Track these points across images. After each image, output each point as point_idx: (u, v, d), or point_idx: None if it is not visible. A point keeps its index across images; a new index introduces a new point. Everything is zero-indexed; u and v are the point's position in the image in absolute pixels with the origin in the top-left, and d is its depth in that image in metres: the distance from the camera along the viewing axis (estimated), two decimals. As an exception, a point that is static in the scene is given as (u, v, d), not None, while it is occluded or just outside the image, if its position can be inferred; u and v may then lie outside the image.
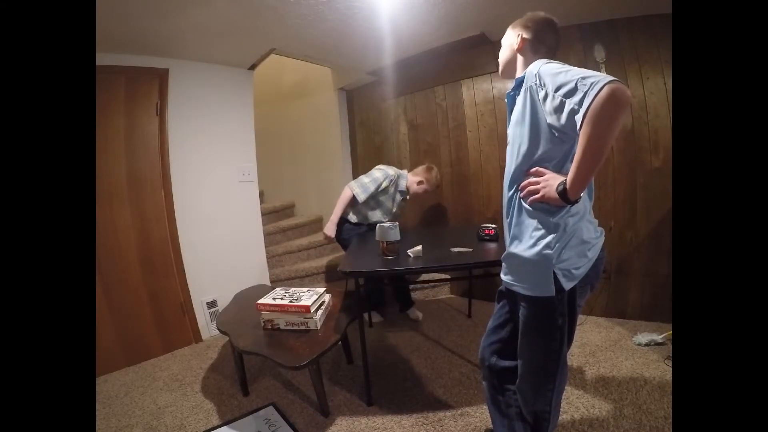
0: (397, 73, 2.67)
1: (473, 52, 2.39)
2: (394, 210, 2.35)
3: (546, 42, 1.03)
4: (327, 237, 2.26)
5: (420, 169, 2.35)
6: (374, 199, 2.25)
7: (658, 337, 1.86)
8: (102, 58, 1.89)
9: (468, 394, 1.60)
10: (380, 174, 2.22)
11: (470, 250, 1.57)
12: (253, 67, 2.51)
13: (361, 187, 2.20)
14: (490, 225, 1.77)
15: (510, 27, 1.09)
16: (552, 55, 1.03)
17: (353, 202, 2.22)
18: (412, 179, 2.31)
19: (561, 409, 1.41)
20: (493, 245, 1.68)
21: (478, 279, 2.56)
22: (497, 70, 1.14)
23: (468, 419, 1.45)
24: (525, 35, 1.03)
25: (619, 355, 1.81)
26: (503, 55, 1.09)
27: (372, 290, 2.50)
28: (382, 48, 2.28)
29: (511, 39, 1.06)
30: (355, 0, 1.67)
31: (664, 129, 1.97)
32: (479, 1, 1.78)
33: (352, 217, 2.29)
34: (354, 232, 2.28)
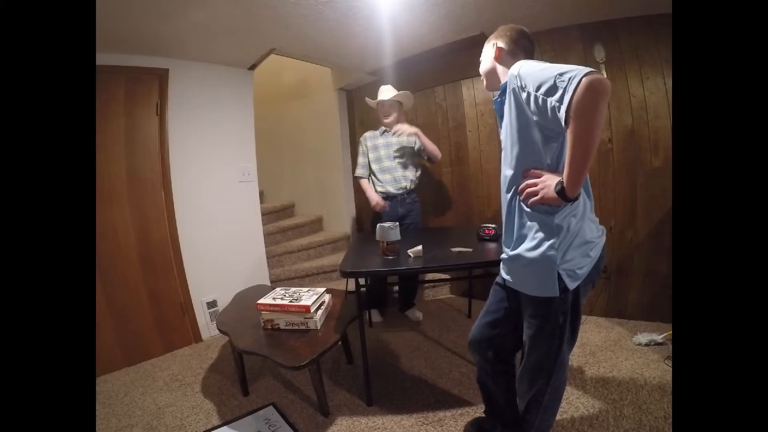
0: (397, 73, 2.67)
1: (473, 52, 2.34)
2: (393, 151, 2.30)
3: (521, 45, 1.06)
4: (379, 206, 2.27)
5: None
6: (376, 163, 2.31)
7: (658, 337, 1.86)
8: (102, 58, 1.89)
9: (468, 394, 1.60)
10: (360, 147, 2.38)
11: (470, 250, 1.57)
12: (253, 67, 2.51)
13: (358, 166, 2.36)
14: (490, 225, 1.77)
15: (486, 42, 1.13)
16: (530, 58, 1.05)
17: (366, 181, 2.35)
18: (379, 111, 2.33)
19: (561, 409, 1.42)
20: (493, 245, 1.68)
21: (478, 279, 2.55)
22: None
23: (468, 419, 1.45)
24: (500, 44, 1.06)
25: (619, 355, 1.81)
26: (483, 67, 1.12)
27: (375, 289, 2.50)
28: (382, 48, 2.28)
29: (489, 51, 1.10)
30: (356, 0, 1.67)
31: (664, 129, 1.97)
32: (479, 1, 1.78)
33: (382, 191, 2.31)
34: (383, 211, 2.30)
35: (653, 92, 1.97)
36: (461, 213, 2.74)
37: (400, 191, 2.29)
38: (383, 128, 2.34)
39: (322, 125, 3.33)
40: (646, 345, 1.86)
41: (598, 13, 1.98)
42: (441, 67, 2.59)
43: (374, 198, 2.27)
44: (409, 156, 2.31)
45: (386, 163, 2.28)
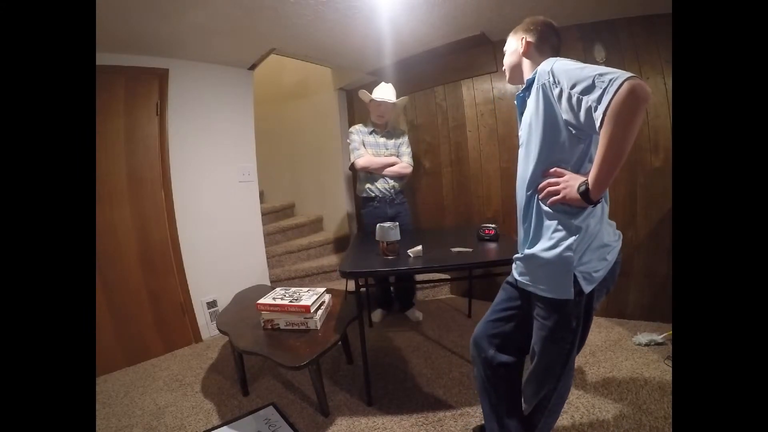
0: (397, 73, 2.67)
1: (473, 52, 2.38)
2: (384, 152, 2.28)
3: (550, 42, 1.03)
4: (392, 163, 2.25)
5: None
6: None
7: (658, 337, 1.86)
8: (102, 58, 1.89)
9: (468, 394, 1.60)
10: (353, 136, 2.28)
11: (470, 250, 1.57)
12: (253, 67, 2.51)
13: (355, 150, 2.24)
14: (490, 225, 1.77)
15: (511, 33, 1.10)
16: (557, 54, 1.02)
17: (360, 174, 2.30)
18: (373, 109, 2.26)
19: (561, 409, 1.42)
20: (493, 245, 1.68)
21: (478, 279, 2.55)
22: (498, 71, 1.14)
23: (468, 419, 1.45)
24: (529, 39, 1.03)
25: (619, 355, 1.81)
26: (509, 61, 1.09)
27: (380, 288, 2.50)
28: (382, 48, 2.28)
29: (515, 44, 1.07)
30: (355, 0, 1.67)
31: (664, 129, 1.97)
32: (479, 1, 1.78)
33: (370, 191, 2.28)
34: (372, 212, 2.28)
35: (653, 92, 1.95)
36: (461, 213, 2.74)
37: (389, 192, 2.28)
38: (372, 127, 2.30)
39: (322, 125, 3.33)
40: (646, 345, 1.86)
41: (598, 13, 1.98)
42: (441, 67, 2.59)
43: (387, 160, 2.23)
44: (398, 157, 2.31)
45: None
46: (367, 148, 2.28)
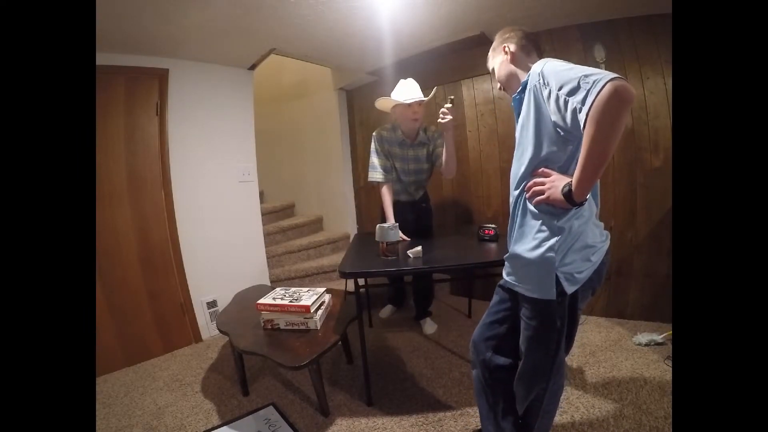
0: (397, 73, 2.66)
1: (473, 52, 2.38)
2: (424, 163, 2.05)
3: (532, 42, 1.05)
4: (403, 240, 1.83)
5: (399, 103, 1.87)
6: (406, 175, 2.05)
7: (658, 337, 1.86)
8: (102, 58, 1.89)
9: (468, 394, 1.60)
10: (376, 145, 1.99)
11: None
12: (253, 67, 2.51)
13: (374, 169, 1.99)
14: (490, 225, 1.77)
15: (491, 52, 1.12)
16: (541, 54, 1.04)
17: (387, 189, 2.01)
18: (401, 114, 1.90)
19: (561, 409, 1.42)
20: (493, 245, 1.68)
21: (478, 279, 2.55)
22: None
23: (468, 419, 1.45)
24: (511, 48, 1.04)
25: (619, 355, 1.81)
26: (502, 73, 1.08)
27: (393, 287, 2.50)
28: (382, 48, 2.28)
29: (501, 57, 1.07)
30: (356, 0, 1.67)
31: (664, 129, 1.97)
32: (479, 1, 1.78)
33: (403, 199, 2.12)
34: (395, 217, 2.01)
35: (653, 92, 1.97)
36: (461, 213, 2.74)
37: (420, 195, 2.18)
38: (402, 136, 1.97)
39: (322, 125, 3.34)
40: (646, 345, 1.86)
41: (598, 13, 1.98)
42: (441, 67, 2.59)
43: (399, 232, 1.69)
44: (431, 160, 2.07)
45: (413, 177, 2.08)
46: (410, 163, 2.01)
